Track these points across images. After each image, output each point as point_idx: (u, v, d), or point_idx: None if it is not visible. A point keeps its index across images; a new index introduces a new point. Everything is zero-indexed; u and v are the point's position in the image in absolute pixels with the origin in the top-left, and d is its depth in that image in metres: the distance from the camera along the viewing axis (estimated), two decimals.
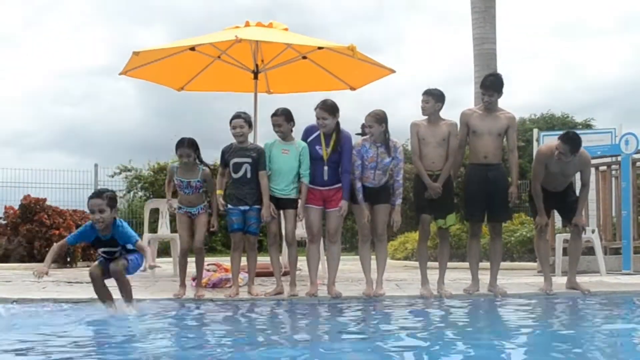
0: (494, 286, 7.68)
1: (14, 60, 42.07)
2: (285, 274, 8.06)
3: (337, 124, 7.36)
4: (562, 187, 7.79)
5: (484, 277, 7.80)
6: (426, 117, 7.52)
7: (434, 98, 7.44)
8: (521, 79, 44.95)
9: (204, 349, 4.54)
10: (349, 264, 13.15)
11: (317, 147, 7.38)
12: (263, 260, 8.48)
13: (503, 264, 8.35)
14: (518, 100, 40.58)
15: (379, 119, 7.28)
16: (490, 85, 7.60)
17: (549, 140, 10.19)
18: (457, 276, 9.21)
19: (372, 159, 7.37)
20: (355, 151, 7.38)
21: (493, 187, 7.54)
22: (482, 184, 7.53)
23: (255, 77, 10.43)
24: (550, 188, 7.72)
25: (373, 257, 7.77)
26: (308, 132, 7.48)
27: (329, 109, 7.29)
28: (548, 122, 29.14)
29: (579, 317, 6.49)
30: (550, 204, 7.81)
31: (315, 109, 7.33)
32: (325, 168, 7.35)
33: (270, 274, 8.27)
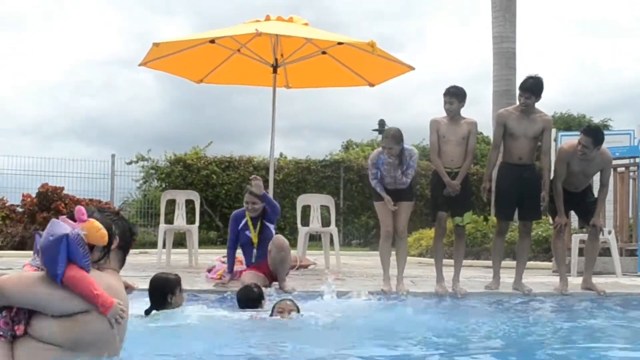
0: (519, 284, 7.68)
1: (34, 50, 42.35)
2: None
3: (264, 197, 7.65)
4: (582, 187, 7.76)
5: (503, 276, 7.82)
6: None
7: (458, 99, 7.44)
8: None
9: None
10: (363, 259, 13.20)
11: (247, 233, 7.71)
12: None
13: None
14: None
15: (398, 139, 7.36)
16: (530, 87, 7.51)
17: (569, 140, 10.13)
18: (472, 274, 9.21)
19: (388, 171, 7.45)
20: (370, 161, 7.56)
21: (526, 187, 7.54)
22: (516, 183, 7.53)
23: (275, 71, 10.44)
24: (570, 188, 7.69)
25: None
26: (238, 218, 7.78)
27: (260, 190, 7.58)
28: (566, 122, 29.00)
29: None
30: (568, 205, 7.78)
31: (244, 192, 7.75)
32: (254, 251, 7.68)
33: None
